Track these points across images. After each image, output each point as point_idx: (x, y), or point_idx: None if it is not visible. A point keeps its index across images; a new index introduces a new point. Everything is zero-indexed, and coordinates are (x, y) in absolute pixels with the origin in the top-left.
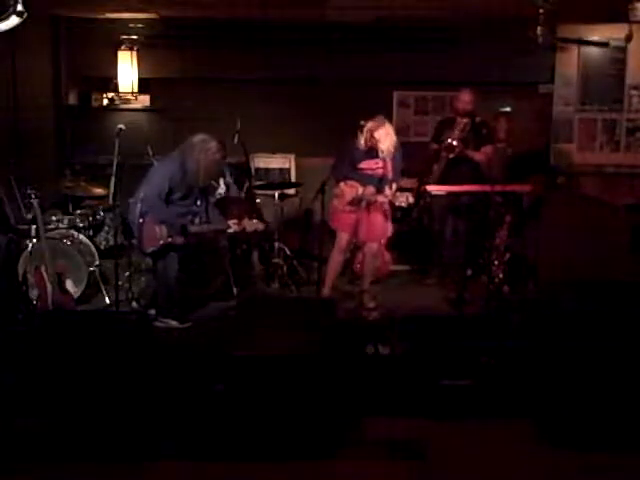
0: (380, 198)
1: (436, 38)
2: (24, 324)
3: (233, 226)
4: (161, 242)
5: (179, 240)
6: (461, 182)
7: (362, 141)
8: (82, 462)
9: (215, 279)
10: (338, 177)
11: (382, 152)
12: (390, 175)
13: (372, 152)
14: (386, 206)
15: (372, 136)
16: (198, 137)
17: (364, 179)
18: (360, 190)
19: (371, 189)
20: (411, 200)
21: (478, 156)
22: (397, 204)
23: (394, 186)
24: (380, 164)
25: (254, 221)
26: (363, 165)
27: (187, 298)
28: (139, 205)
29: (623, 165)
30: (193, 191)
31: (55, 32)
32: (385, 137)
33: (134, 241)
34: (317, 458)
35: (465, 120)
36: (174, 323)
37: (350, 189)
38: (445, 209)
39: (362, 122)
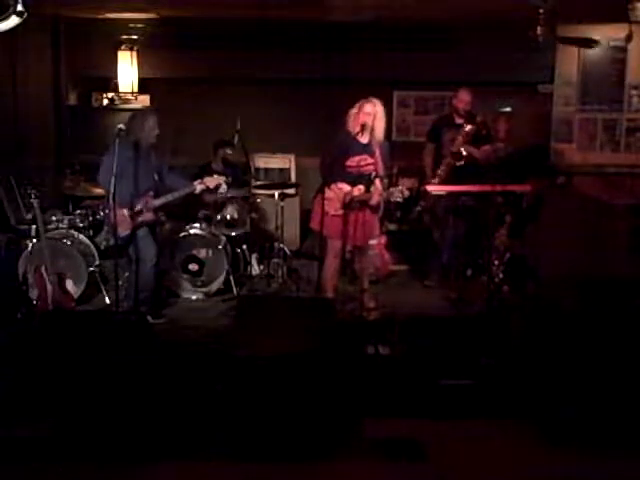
0: (373, 200)
1: (436, 38)
2: (24, 324)
3: (197, 186)
4: (133, 224)
5: (149, 216)
6: (462, 182)
7: (351, 117)
8: (81, 462)
9: (216, 279)
10: (326, 176)
11: (370, 132)
12: (381, 171)
13: (361, 144)
14: (374, 203)
15: (362, 111)
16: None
17: (353, 179)
18: (350, 191)
19: (361, 189)
20: (406, 193)
21: (478, 154)
22: (392, 200)
23: (379, 182)
24: (369, 160)
25: (214, 176)
26: (351, 163)
27: (166, 293)
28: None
29: (623, 165)
30: (145, 166)
31: (55, 32)
32: (375, 114)
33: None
34: (317, 458)
35: (470, 127)
36: (148, 318)
37: (339, 192)
38: (446, 209)
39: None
